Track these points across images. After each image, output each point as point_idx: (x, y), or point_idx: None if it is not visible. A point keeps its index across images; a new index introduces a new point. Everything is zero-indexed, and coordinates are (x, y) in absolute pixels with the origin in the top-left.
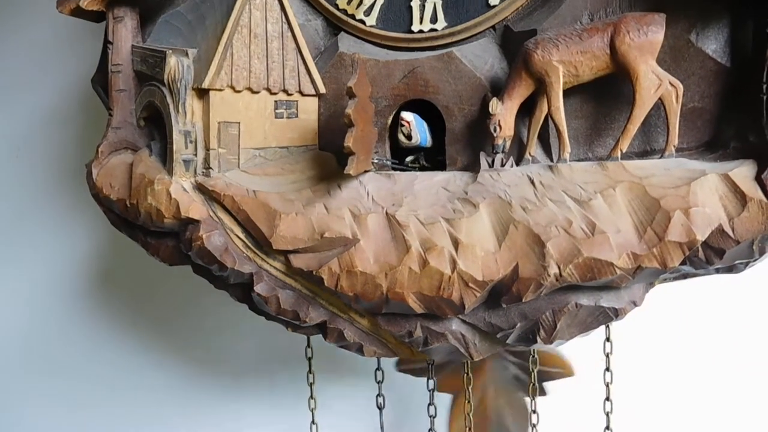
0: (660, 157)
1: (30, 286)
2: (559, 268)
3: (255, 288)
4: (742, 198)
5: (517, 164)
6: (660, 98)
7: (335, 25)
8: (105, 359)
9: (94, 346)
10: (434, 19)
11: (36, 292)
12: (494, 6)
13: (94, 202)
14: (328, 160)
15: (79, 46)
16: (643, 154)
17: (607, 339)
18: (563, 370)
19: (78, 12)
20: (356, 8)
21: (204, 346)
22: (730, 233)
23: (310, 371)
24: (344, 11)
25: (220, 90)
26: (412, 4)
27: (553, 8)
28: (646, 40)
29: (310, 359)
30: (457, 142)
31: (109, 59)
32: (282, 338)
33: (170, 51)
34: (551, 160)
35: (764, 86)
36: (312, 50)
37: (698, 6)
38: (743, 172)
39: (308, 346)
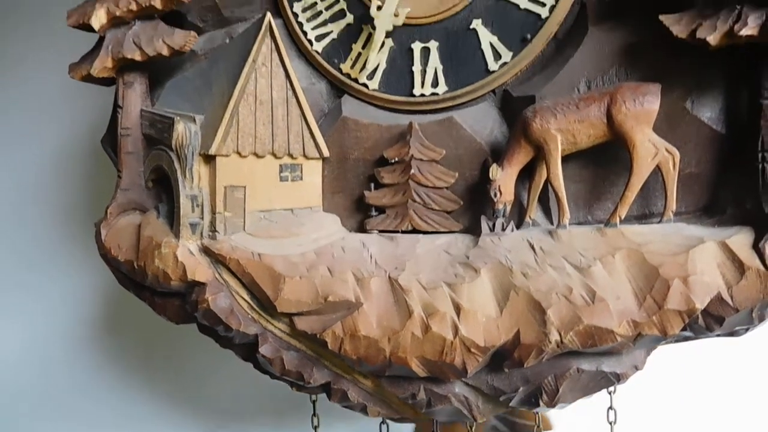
0: (659, 222)
1: (36, 332)
2: (560, 335)
3: (260, 349)
4: (740, 266)
5: (518, 227)
6: (657, 165)
7: (339, 88)
8: (111, 405)
9: (100, 392)
10: (435, 84)
11: (41, 338)
12: (493, 72)
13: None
14: (332, 220)
15: (88, 98)
16: (642, 217)
17: (611, 407)
18: (542, 424)
19: (89, 78)
20: (359, 72)
21: (210, 390)
22: (729, 301)
23: (314, 414)
24: (348, 75)
25: (227, 155)
26: (413, 69)
27: (551, 75)
28: (642, 109)
29: (314, 402)
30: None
31: (118, 123)
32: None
33: (178, 117)
34: (551, 223)
35: (759, 155)
36: (316, 112)
37: (694, 75)
38: (741, 240)
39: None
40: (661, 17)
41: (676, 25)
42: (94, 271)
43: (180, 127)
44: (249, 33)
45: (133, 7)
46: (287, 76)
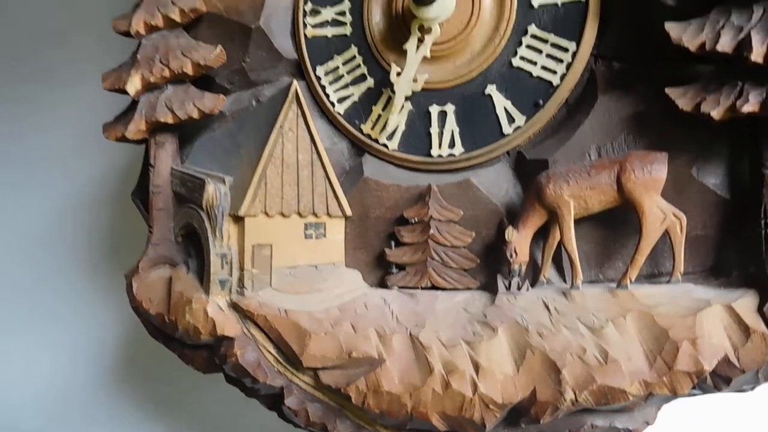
0: (667, 281)
1: (55, 378)
2: (574, 393)
3: (285, 401)
4: (745, 330)
5: (532, 285)
6: (666, 230)
7: (360, 147)
8: None
9: (119, 429)
10: (452, 145)
11: (60, 384)
12: (508, 134)
13: (123, 288)
14: (354, 276)
15: (110, 146)
16: (652, 276)
17: None
18: None
19: (123, 139)
20: (379, 133)
21: (226, 429)
22: (736, 363)
23: None
24: (368, 135)
25: (254, 216)
26: (431, 130)
27: (563, 140)
28: (650, 178)
29: None
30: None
31: (150, 180)
32: None
33: (209, 179)
34: (564, 281)
35: (762, 222)
36: (338, 170)
37: (698, 143)
38: (746, 304)
39: None
40: (667, 90)
41: (682, 98)
42: (115, 317)
43: (211, 189)
44: (276, 99)
45: (167, 73)
46: (312, 139)
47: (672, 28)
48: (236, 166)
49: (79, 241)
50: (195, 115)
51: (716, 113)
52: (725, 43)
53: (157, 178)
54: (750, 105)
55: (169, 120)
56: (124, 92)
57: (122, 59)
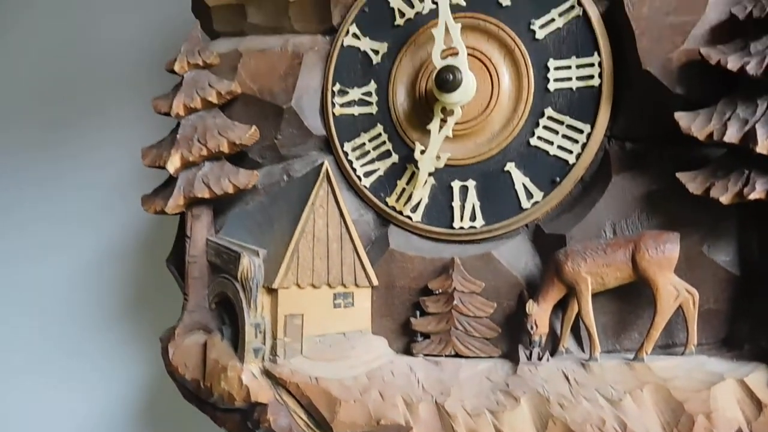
0: (682, 353)
1: (82, 413)
2: None
3: None
4: (758, 404)
5: (552, 354)
6: (679, 305)
7: (385, 218)
8: None
9: None
10: (473, 218)
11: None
12: (526, 209)
13: (146, 337)
14: (380, 343)
15: (141, 190)
16: (666, 347)
17: None
18: None
19: (162, 212)
20: (404, 205)
21: None
22: None
23: None
24: (393, 207)
25: (287, 288)
26: (453, 204)
27: (580, 216)
28: (663, 257)
29: None
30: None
31: (186, 251)
32: None
33: (243, 252)
34: (583, 350)
35: None
36: (365, 240)
37: (709, 222)
38: (758, 378)
39: None
40: (678, 175)
41: (692, 183)
42: (143, 353)
43: (246, 262)
44: (308, 177)
45: (204, 152)
46: (341, 215)
47: (681, 118)
48: (269, 240)
49: (103, 297)
50: (230, 190)
51: (725, 199)
52: (732, 135)
53: (194, 249)
54: (757, 193)
55: (206, 195)
56: (164, 168)
57: (147, 124)
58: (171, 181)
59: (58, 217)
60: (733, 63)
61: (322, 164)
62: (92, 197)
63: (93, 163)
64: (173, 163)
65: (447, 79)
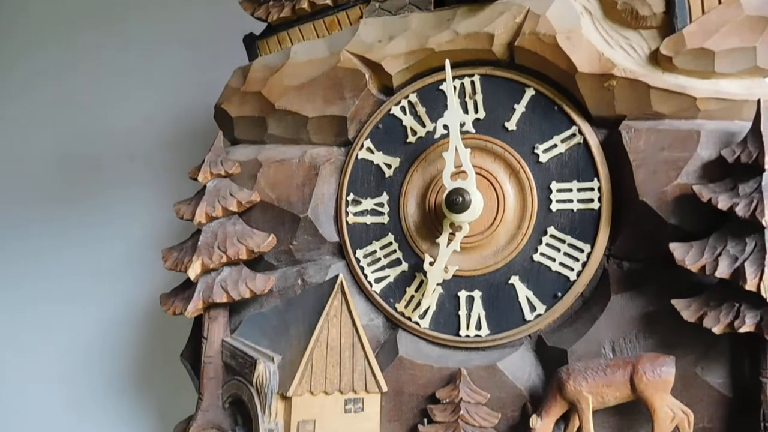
0: None
1: None
2: None
3: None
4: None
5: None
6: (675, 425)
7: (394, 323)
8: None
9: None
10: (479, 327)
11: None
12: (529, 321)
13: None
14: None
15: (149, 266)
16: None
17: None
18: None
19: (181, 314)
20: (412, 312)
21: None
22: None
23: None
24: (402, 313)
25: (301, 395)
26: (459, 313)
27: (581, 333)
28: (660, 380)
29: None
30: None
31: (202, 351)
32: None
33: (259, 358)
34: None
35: (762, 424)
36: (374, 344)
37: (702, 346)
38: None
39: None
40: (673, 302)
41: (686, 310)
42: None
43: (261, 368)
44: (324, 288)
45: (224, 259)
46: (354, 324)
47: (676, 249)
48: (285, 346)
49: (120, 358)
50: (247, 295)
51: (717, 329)
52: (723, 270)
53: (209, 350)
54: (747, 326)
55: (224, 300)
56: (184, 273)
57: (168, 182)
58: (190, 284)
59: (74, 273)
60: (723, 203)
61: (337, 276)
62: (110, 256)
63: (111, 219)
64: (194, 270)
65: (457, 202)
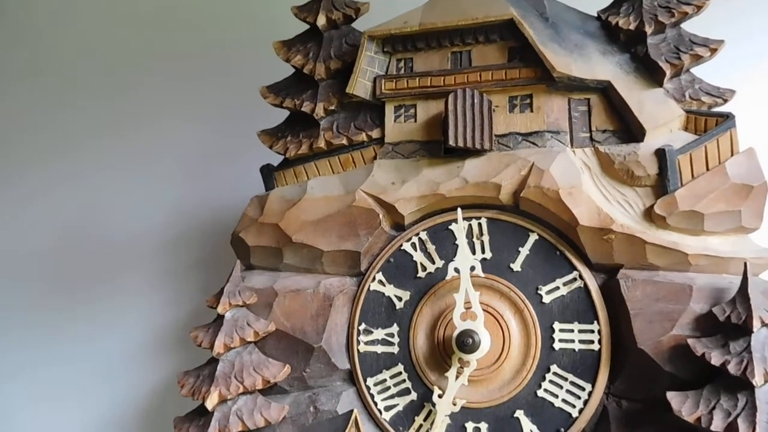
0: None
1: None
2: None
3: None
4: None
5: None
6: None
7: None
8: None
9: None
10: None
11: None
12: None
13: None
14: None
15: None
16: None
17: None
18: None
19: None
20: None
21: None
22: None
23: None
24: None
25: None
26: None
27: None
28: None
29: None
30: None
31: None
32: None
33: None
34: None
35: None
36: None
37: None
38: None
39: None
40: None
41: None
42: None
43: None
44: (337, 422)
45: (240, 389)
46: None
47: (672, 398)
48: None
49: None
50: (262, 424)
51: None
52: (717, 424)
53: None
54: None
55: (239, 429)
56: (202, 401)
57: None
58: (205, 411)
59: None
60: (716, 359)
61: (351, 411)
62: (115, 350)
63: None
64: (212, 401)
65: (467, 343)
